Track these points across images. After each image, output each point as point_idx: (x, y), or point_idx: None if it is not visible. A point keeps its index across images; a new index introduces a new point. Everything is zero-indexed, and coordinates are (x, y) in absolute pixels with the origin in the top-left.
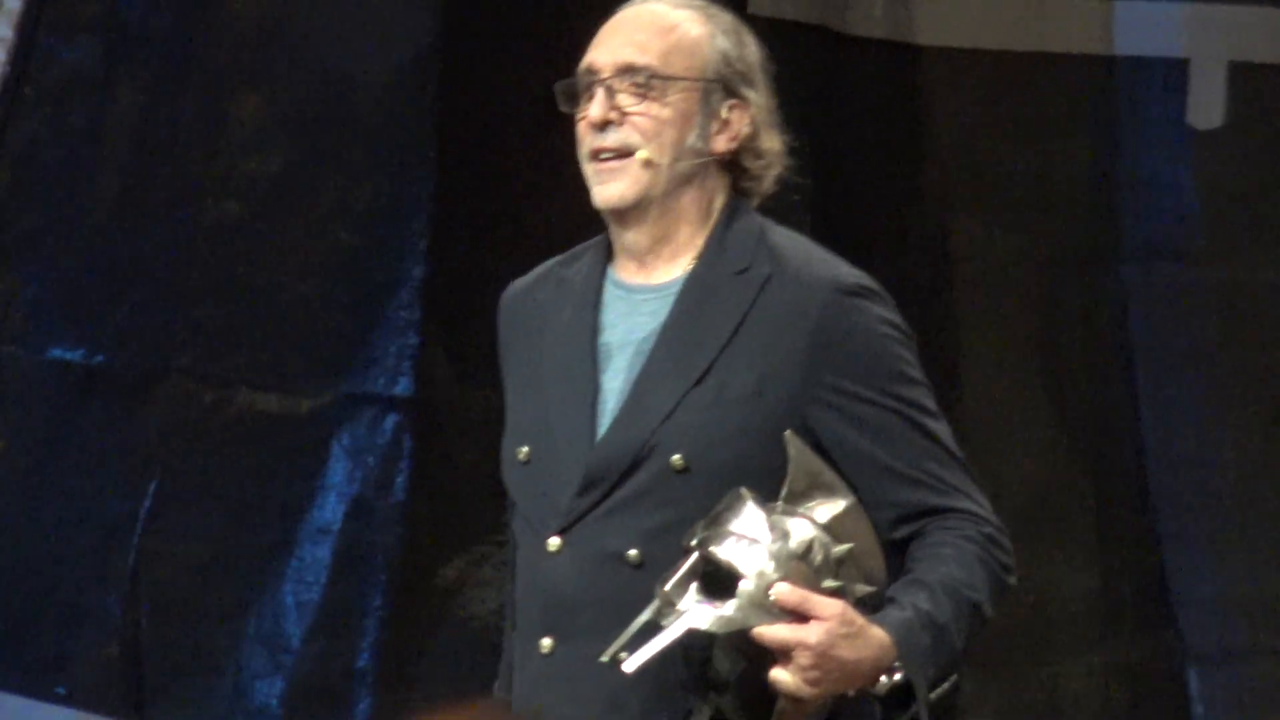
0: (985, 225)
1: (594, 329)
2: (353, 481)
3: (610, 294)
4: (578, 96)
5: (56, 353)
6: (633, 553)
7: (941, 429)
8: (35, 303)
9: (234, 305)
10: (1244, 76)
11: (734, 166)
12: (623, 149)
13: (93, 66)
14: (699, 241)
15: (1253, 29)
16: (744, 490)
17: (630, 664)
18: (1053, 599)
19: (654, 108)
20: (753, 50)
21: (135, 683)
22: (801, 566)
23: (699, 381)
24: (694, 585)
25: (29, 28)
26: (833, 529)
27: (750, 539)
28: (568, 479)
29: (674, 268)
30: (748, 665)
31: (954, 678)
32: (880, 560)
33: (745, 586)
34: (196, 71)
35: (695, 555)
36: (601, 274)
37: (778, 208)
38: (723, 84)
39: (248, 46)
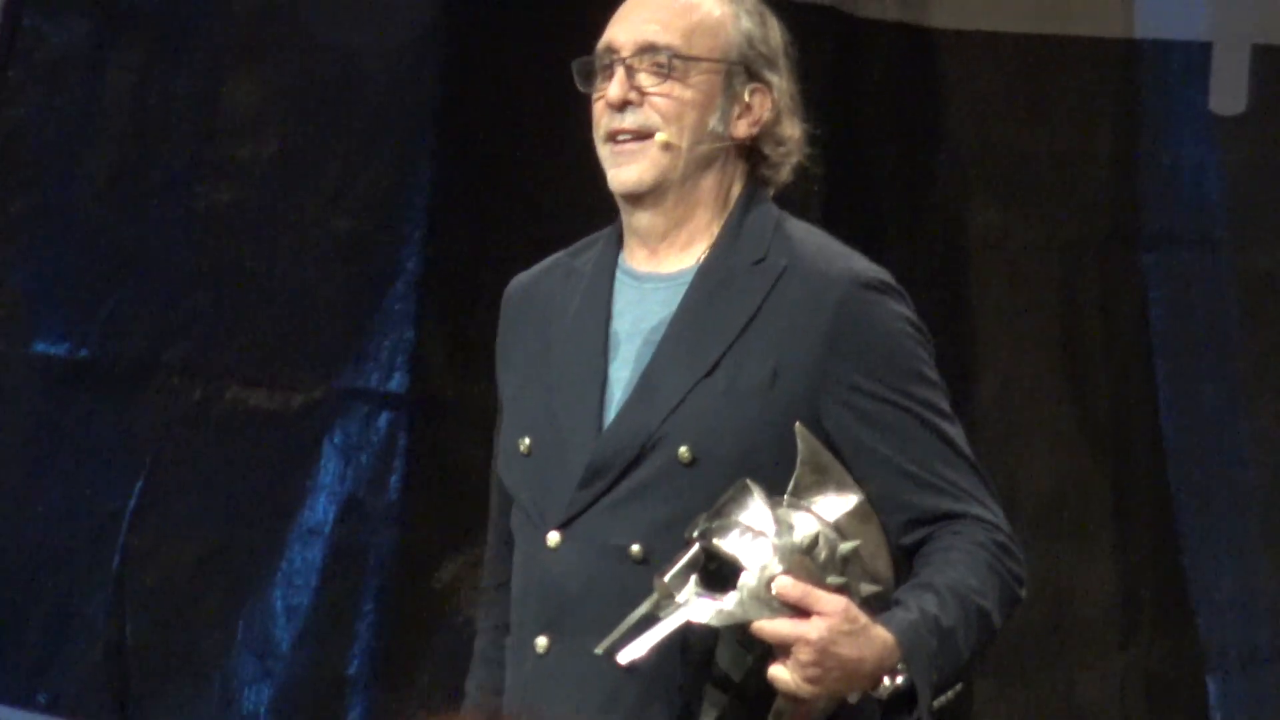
0: (1002, 212)
1: (604, 317)
2: (344, 481)
3: (620, 282)
4: (595, 75)
5: (41, 347)
6: (636, 548)
7: (956, 432)
8: (20, 294)
9: (224, 297)
10: (1267, 60)
11: (753, 153)
12: (641, 130)
13: (82, 48)
14: (714, 229)
15: (1276, 12)
16: (749, 482)
17: (625, 656)
18: (1070, 601)
19: (675, 89)
20: (776, 33)
21: (119, 690)
22: (805, 561)
23: (710, 372)
24: (694, 578)
25: (14, 7)
26: (840, 526)
27: (754, 532)
28: (570, 471)
29: (687, 256)
30: (751, 663)
31: (959, 685)
32: (887, 560)
33: (746, 580)
34: (188, 53)
35: (696, 547)
36: (612, 262)
37: (794, 198)
38: (746, 67)
39: (242, 27)
